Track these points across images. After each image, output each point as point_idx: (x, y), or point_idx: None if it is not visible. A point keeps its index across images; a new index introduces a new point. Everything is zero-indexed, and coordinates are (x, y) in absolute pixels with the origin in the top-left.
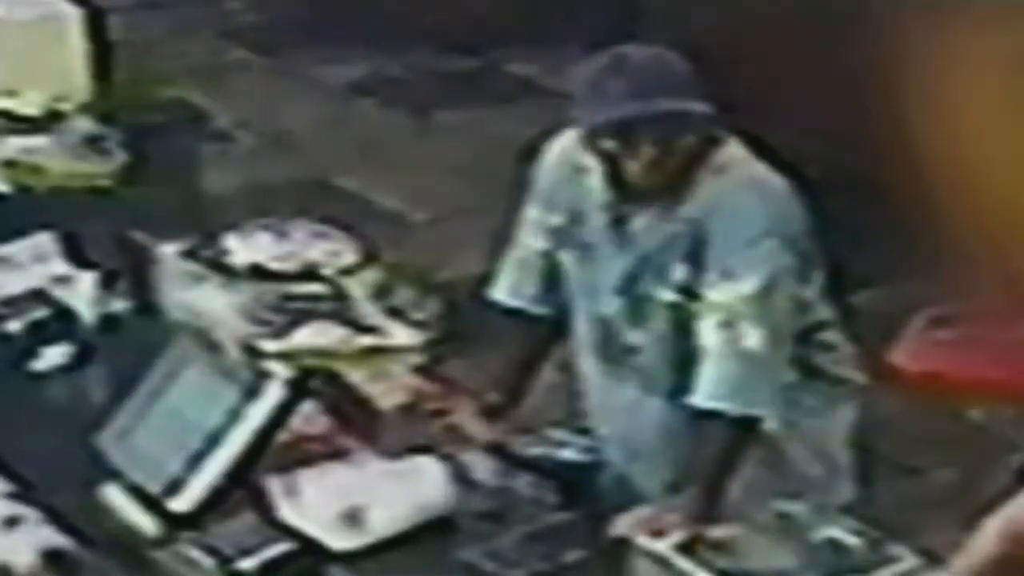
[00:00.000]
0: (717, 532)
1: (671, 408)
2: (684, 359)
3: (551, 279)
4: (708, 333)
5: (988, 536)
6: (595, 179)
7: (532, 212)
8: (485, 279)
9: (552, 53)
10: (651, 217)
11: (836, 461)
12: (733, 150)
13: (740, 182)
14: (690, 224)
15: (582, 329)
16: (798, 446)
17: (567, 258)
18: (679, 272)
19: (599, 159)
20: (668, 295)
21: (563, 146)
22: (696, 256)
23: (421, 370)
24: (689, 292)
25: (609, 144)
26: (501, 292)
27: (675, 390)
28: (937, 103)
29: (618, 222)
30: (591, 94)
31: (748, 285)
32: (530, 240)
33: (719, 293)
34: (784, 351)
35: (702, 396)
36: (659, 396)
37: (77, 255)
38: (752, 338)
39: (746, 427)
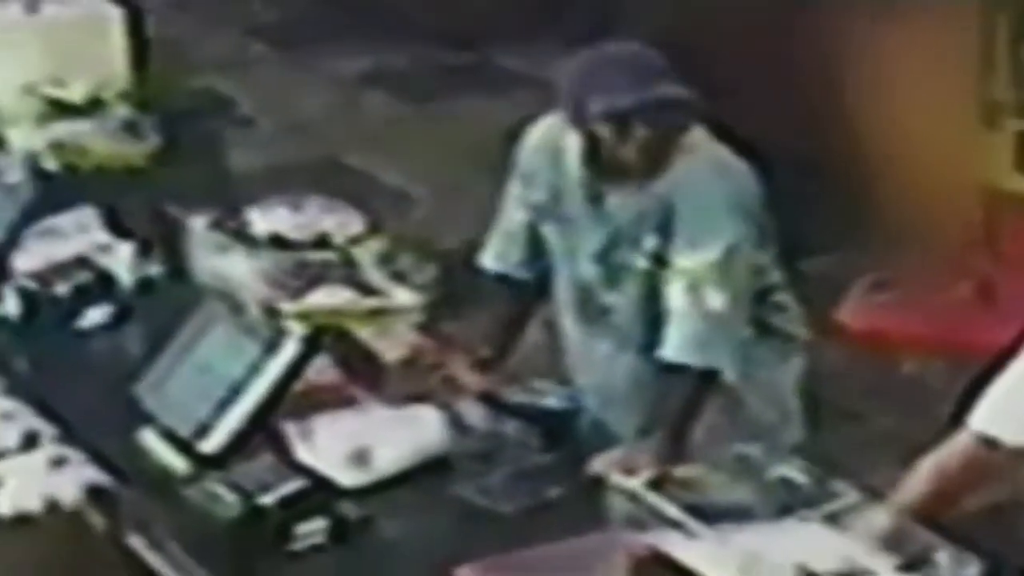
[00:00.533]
0: (683, 471)
1: (642, 361)
2: (654, 318)
3: (534, 248)
4: (676, 295)
5: (922, 475)
6: (573, 161)
7: (515, 189)
8: (477, 248)
9: (536, 48)
10: (625, 194)
11: (787, 408)
12: (698, 135)
13: (705, 163)
14: (661, 200)
15: (563, 292)
16: (754, 395)
17: (548, 230)
18: (650, 242)
19: (585, 144)
20: (641, 262)
21: (543, 131)
22: (665, 227)
23: (420, 328)
24: (659, 259)
25: (604, 131)
26: (489, 260)
27: (646, 345)
28: (877, 93)
29: (594, 199)
30: (588, 87)
31: (712, 253)
32: (514, 214)
33: (686, 260)
34: (743, 311)
35: (670, 351)
36: (631, 351)
37: (117, 226)
38: (715, 300)
39: (708, 378)
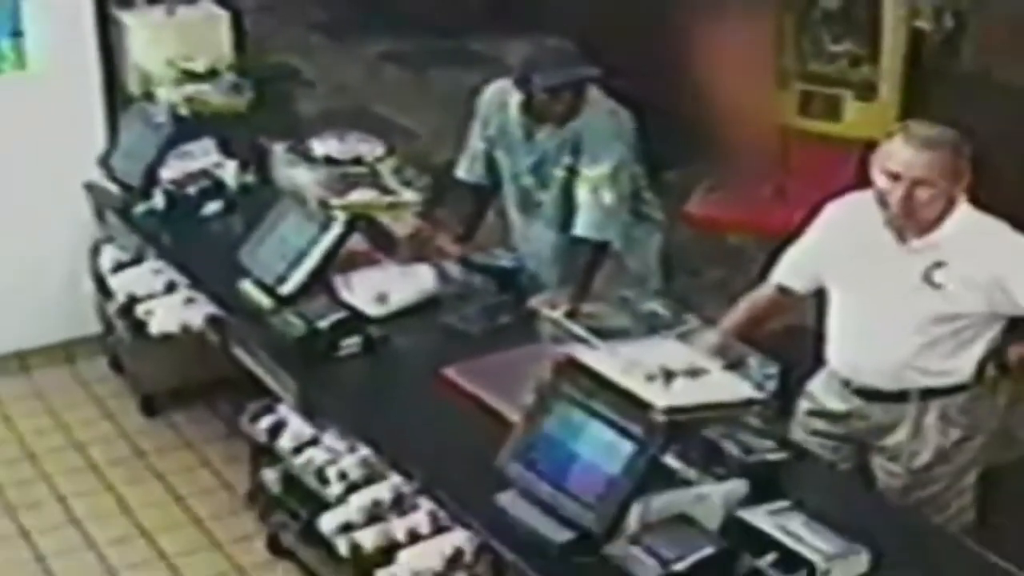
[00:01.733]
0: (587, 307)
1: (561, 237)
2: (568, 209)
3: (490, 165)
4: (583, 194)
5: (740, 308)
6: (514, 110)
7: (476, 128)
8: (455, 165)
9: (492, 38)
10: (548, 131)
11: (653, 266)
12: (595, 92)
13: (600, 109)
14: (573, 134)
15: (509, 192)
16: (632, 258)
17: (499, 154)
18: (566, 160)
19: (524, 99)
20: (560, 173)
21: (494, 90)
22: (576, 151)
23: (420, 215)
24: (572, 171)
25: (543, 95)
26: (461, 172)
27: (563, 226)
28: (712, 63)
29: (527, 135)
30: (533, 68)
31: (606, 167)
32: (476, 144)
33: (589, 171)
34: (625, 204)
35: (579, 230)
36: (554, 230)
37: (227, 151)
38: (607, 197)
39: (603, 248)
